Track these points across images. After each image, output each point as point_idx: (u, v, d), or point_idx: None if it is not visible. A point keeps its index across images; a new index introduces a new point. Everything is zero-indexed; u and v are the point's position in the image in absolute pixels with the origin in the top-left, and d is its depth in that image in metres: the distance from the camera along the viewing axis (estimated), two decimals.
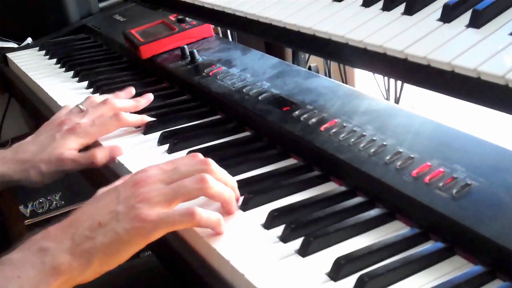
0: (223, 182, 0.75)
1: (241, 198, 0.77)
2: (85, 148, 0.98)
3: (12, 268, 0.66)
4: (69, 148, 0.95)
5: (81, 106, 1.03)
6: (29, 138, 1.01)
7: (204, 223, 0.71)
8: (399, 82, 1.38)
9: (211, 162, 0.76)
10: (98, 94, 1.20)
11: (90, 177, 1.02)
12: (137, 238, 0.69)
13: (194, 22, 1.30)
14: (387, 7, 0.75)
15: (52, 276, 0.66)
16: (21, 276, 0.65)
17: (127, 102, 1.06)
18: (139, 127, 1.03)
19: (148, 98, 1.09)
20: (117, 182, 0.77)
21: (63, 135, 0.96)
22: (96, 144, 0.99)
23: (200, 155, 0.78)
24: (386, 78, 1.40)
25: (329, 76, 1.46)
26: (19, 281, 0.65)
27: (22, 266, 0.66)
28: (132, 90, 1.11)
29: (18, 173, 0.96)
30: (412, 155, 0.76)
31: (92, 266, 0.68)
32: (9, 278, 0.65)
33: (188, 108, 1.10)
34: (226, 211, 0.75)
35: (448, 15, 0.68)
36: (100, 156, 0.93)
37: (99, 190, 0.77)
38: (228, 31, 1.62)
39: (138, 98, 1.08)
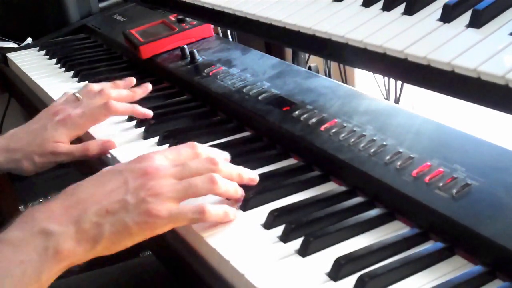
0: (229, 175, 0.76)
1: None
2: (79, 140, 0.99)
3: (14, 250, 0.65)
4: (60, 140, 0.96)
5: (77, 95, 1.02)
6: (21, 127, 1.01)
7: (213, 218, 0.72)
8: (399, 82, 1.38)
9: (219, 160, 0.76)
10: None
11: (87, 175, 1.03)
12: (146, 231, 0.70)
13: (194, 22, 1.30)
14: (387, 7, 0.75)
15: (55, 260, 0.66)
16: (24, 260, 0.64)
17: (123, 92, 1.05)
18: (133, 118, 1.03)
19: (145, 88, 1.09)
20: (121, 165, 0.76)
21: (54, 126, 0.97)
22: (90, 137, 1.00)
23: (199, 146, 0.78)
24: (386, 78, 1.40)
25: (329, 76, 1.46)
26: (22, 266, 0.64)
27: (24, 249, 0.65)
28: (132, 80, 1.10)
29: (10, 162, 0.97)
30: (412, 155, 0.76)
31: (94, 251, 0.68)
32: (12, 262, 0.64)
33: (188, 108, 1.10)
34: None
35: (448, 15, 0.68)
36: (93, 148, 0.95)
37: (103, 169, 0.76)
38: (228, 31, 1.62)
39: (135, 89, 1.08)
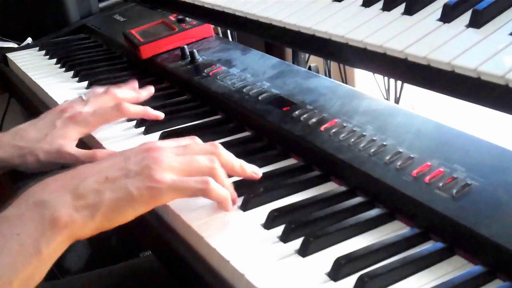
0: (230, 163, 0.77)
1: (241, 198, 0.77)
2: (86, 146, 0.97)
3: (10, 225, 0.63)
4: (69, 137, 0.94)
5: (83, 96, 1.02)
6: (28, 123, 0.99)
7: (214, 194, 0.71)
8: (399, 82, 1.38)
9: (219, 145, 0.77)
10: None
11: None
12: (147, 198, 0.68)
13: (194, 22, 1.30)
14: (387, 7, 0.75)
15: (53, 230, 0.63)
16: (20, 233, 0.62)
17: (129, 93, 1.05)
18: (142, 121, 1.02)
19: (149, 91, 1.09)
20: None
21: (63, 123, 0.95)
22: (96, 144, 0.99)
23: (198, 139, 0.80)
24: (386, 78, 1.40)
25: (329, 76, 1.46)
26: (18, 238, 0.62)
27: (20, 222, 0.63)
28: (135, 85, 1.11)
29: (16, 158, 0.95)
30: (412, 155, 0.76)
31: (94, 221, 0.66)
32: (8, 237, 0.62)
33: (188, 108, 1.10)
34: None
35: (448, 15, 0.68)
36: (100, 157, 0.91)
37: None
38: (228, 31, 1.62)
39: (139, 90, 1.08)
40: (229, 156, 0.77)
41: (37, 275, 0.63)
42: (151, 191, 0.68)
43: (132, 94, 1.05)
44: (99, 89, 1.04)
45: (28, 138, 0.95)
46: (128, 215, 0.68)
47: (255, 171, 0.79)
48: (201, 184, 0.70)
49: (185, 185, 0.70)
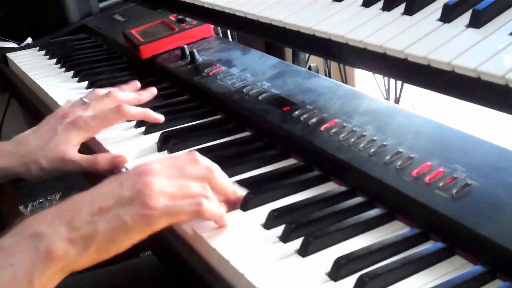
0: (224, 188, 0.75)
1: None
2: (89, 152, 0.97)
3: (4, 255, 0.63)
4: (72, 144, 0.94)
5: (84, 99, 1.01)
6: (30, 131, 0.99)
7: (208, 215, 0.71)
8: (399, 82, 1.38)
9: (215, 169, 0.75)
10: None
11: (91, 179, 1.02)
12: (142, 225, 0.67)
13: (194, 22, 1.30)
14: (387, 7, 0.75)
15: (47, 262, 0.63)
16: (14, 263, 0.62)
17: (130, 95, 1.05)
18: (142, 121, 1.02)
19: (151, 92, 1.08)
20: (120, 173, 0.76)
21: (64, 129, 0.95)
22: (100, 148, 0.99)
23: (198, 155, 0.78)
24: (386, 78, 1.40)
25: (329, 76, 1.46)
26: (11, 269, 0.62)
27: (15, 253, 0.63)
28: (137, 84, 1.10)
29: (19, 167, 0.94)
30: (412, 155, 0.76)
31: (89, 253, 0.65)
32: (1, 267, 0.62)
33: (188, 108, 1.10)
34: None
35: (448, 15, 0.68)
36: (102, 162, 0.92)
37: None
38: (228, 31, 1.62)
39: (141, 92, 1.08)
40: (223, 181, 0.76)
41: None
42: (145, 218, 0.67)
43: (133, 96, 1.05)
44: (101, 91, 1.04)
45: (31, 146, 0.95)
46: (124, 245, 0.67)
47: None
48: (195, 207, 0.69)
49: (179, 209, 0.69)
